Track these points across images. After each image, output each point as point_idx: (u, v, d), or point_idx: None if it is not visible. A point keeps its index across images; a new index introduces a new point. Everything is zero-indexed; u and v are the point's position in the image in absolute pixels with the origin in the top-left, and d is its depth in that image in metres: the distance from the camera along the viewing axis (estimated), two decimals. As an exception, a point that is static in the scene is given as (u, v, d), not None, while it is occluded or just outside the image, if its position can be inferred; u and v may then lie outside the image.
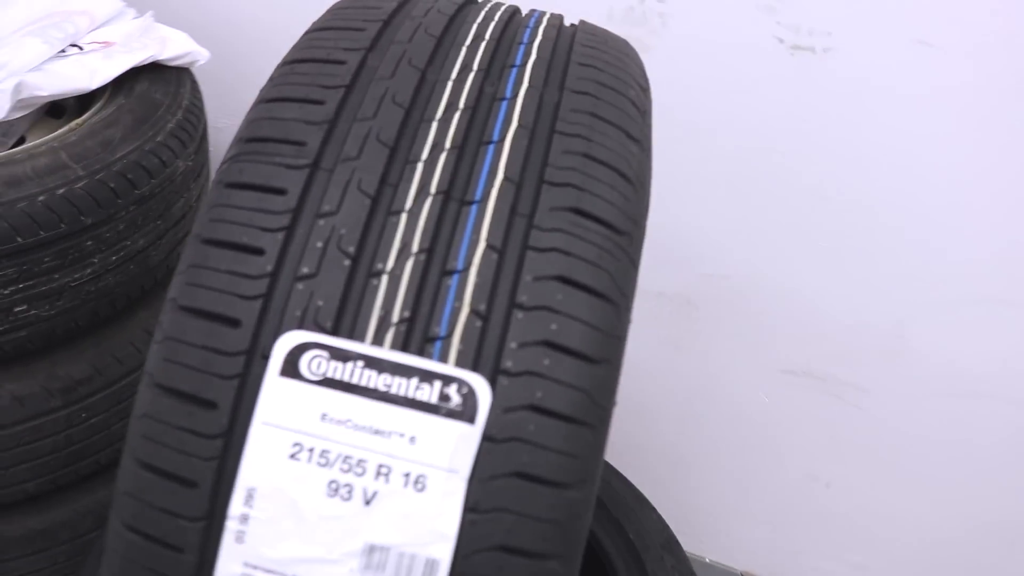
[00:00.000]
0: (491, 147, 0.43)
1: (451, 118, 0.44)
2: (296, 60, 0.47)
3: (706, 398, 1.40)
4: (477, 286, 0.39)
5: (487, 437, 0.37)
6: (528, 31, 0.52)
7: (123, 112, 0.99)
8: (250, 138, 0.43)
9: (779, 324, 1.27)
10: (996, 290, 1.10)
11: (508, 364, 0.38)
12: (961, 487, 1.28)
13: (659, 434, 1.48)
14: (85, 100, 1.04)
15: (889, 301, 1.18)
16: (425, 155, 0.42)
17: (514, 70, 0.48)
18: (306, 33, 0.50)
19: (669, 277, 1.32)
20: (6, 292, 0.85)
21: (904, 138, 1.07)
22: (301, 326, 0.38)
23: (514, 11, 0.56)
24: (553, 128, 0.45)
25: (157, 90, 1.03)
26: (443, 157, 0.42)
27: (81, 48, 1.08)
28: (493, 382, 0.37)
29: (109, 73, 1.02)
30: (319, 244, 0.39)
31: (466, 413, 0.37)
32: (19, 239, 0.84)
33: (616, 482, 1.04)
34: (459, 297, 0.39)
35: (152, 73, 1.07)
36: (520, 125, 0.44)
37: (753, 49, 1.12)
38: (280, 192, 0.40)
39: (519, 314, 0.38)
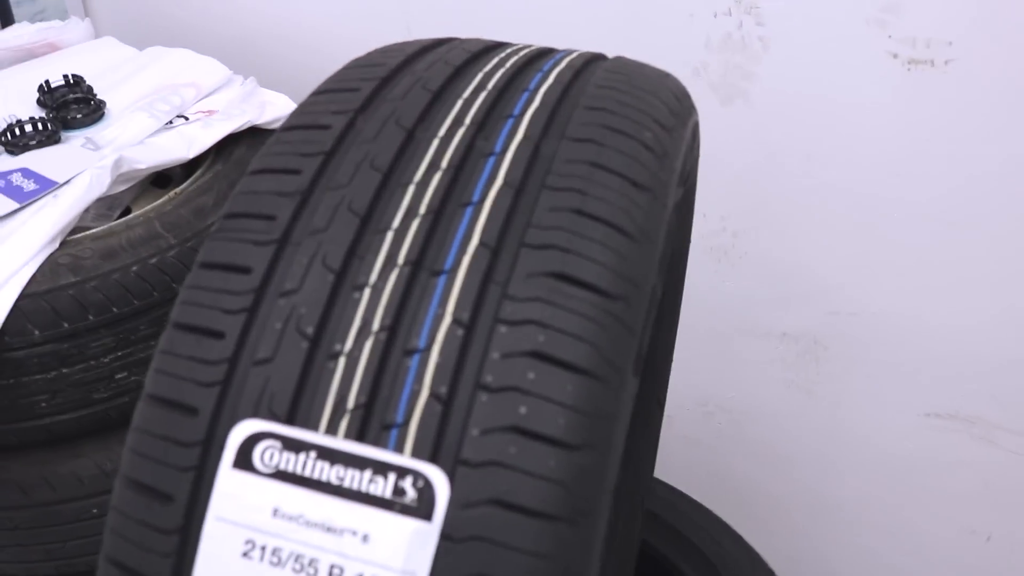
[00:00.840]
0: (469, 209, 0.39)
1: (430, 180, 0.41)
2: (287, 128, 0.46)
3: (843, 445, 1.28)
4: (439, 366, 0.35)
5: (445, 536, 0.33)
6: (539, 75, 0.48)
7: (219, 179, 1.03)
8: (228, 214, 0.42)
9: (918, 363, 1.14)
10: None
11: (469, 454, 0.34)
12: None
13: (793, 484, 1.36)
14: (191, 169, 1.09)
15: (1045, 333, 1.03)
16: (397, 222, 0.39)
17: (510, 121, 0.44)
18: (308, 96, 0.49)
19: (793, 317, 1.22)
20: (106, 360, 0.89)
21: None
22: (256, 414, 0.36)
23: (539, 54, 0.53)
24: (543, 183, 0.41)
25: (253, 154, 1.07)
26: (415, 224, 0.39)
27: (187, 119, 1.14)
28: (452, 474, 0.34)
29: (206, 142, 1.06)
30: (278, 325, 0.37)
31: (422, 509, 0.33)
32: (114, 309, 0.88)
33: (728, 542, 0.95)
34: (419, 379, 0.35)
35: (251, 138, 1.11)
36: (505, 183, 0.41)
37: (866, 67, 1.02)
38: (245, 271, 0.39)
39: (483, 396, 0.35)
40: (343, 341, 0.36)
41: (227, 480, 0.35)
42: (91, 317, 0.88)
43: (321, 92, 0.48)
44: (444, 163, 0.42)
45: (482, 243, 0.38)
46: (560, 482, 0.34)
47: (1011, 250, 1.02)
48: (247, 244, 0.40)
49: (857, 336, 1.18)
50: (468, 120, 0.44)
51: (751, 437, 1.38)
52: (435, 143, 0.43)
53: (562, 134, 0.43)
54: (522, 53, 0.52)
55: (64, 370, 0.89)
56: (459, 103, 0.46)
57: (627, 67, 0.50)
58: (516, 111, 0.45)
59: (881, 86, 1.01)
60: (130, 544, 0.36)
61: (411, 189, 0.41)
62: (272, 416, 0.35)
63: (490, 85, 0.47)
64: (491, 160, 0.42)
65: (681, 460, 1.38)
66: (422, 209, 0.40)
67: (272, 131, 1.12)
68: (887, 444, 1.23)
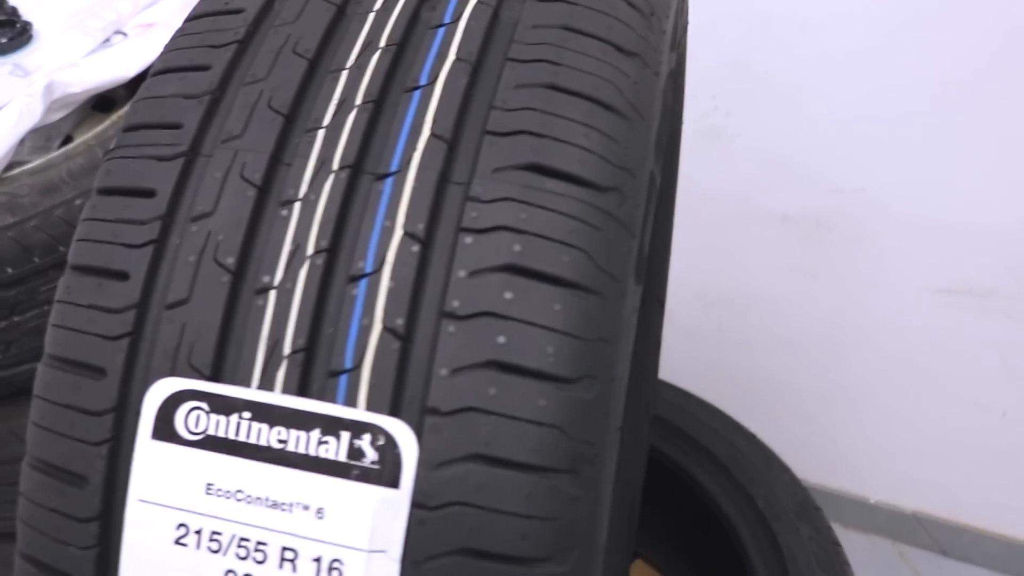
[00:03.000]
0: (416, 94, 0.32)
1: (367, 63, 0.33)
2: (193, 16, 0.37)
3: (850, 329, 1.23)
4: (392, 292, 0.28)
5: (418, 504, 0.27)
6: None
7: (162, 97, 0.93)
8: (128, 126, 0.34)
9: (927, 239, 1.08)
10: None
11: (438, 400, 0.27)
12: None
13: (800, 372, 1.32)
14: (135, 89, 0.99)
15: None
16: (328, 118, 0.32)
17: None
18: None
19: (793, 198, 1.15)
20: (57, 304, 0.82)
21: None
22: (174, 371, 0.29)
23: None
24: (506, 56, 0.33)
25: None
26: (351, 118, 0.31)
27: (125, 35, 1.03)
28: (419, 427, 0.27)
29: (148, 57, 0.96)
30: (191, 258, 0.30)
31: (386, 473, 0.27)
32: (61, 248, 0.80)
33: (741, 442, 0.91)
34: (368, 312, 0.28)
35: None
36: (458, 58, 0.33)
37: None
38: (148, 194, 0.31)
39: (450, 326, 0.28)
40: (272, 271, 0.29)
41: (147, 453, 0.29)
42: (37, 259, 0.80)
43: None
44: (383, 41, 0.34)
45: (434, 134, 0.31)
46: (554, 425, 0.27)
47: (1016, 108, 0.94)
48: (149, 161, 0.32)
49: (861, 214, 1.11)
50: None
51: (755, 326, 1.32)
52: (371, 17, 0.35)
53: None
54: None
55: (16, 319, 0.83)
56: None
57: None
58: (444, 20, 0.36)
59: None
60: (44, 537, 0.30)
61: (343, 76, 0.33)
62: (194, 372, 0.29)
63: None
64: (440, 32, 0.34)
65: (683, 356, 1.33)
66: (358, 99, 0.32)
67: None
68: (896, 324, 1.17)
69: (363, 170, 0.31)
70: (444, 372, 0.27)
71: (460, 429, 0.27)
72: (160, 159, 0.32)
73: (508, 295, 0.28)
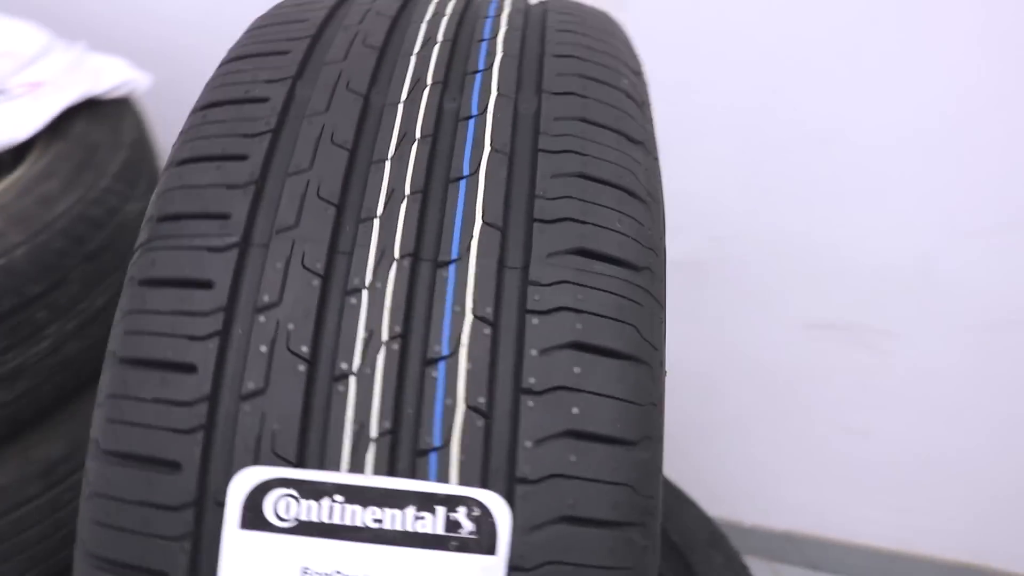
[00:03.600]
0: (462, 184, 0.34)
1: (407, 154, 0.35)
2: (209, 104, 0.38)
3: (728, 364, 1.33)
4: (471, 373, 0.30)
5: (515, 567, 0.29)
6: (489, 22, 0.43)
7: (60, 160, 0.89)
8: (162, 216, 0.34)
9: (795, 278, 1.19)
10: (1021, 213, 1.02)
11: (526, 469, 0.29)
12: (1001, 419, 1.21)
13: (682, 408, 1.40)
14: (19, 153, 0.94)
15: (910, 238, 1.09)
16: (381, 208, 0.33)
17: (478, 76, 0.39)
18: (220, 65, 0.41)
19: (676, 246, 1.23)
20: (-45, 385, 0.76)
21: (900, 59, 0.98)
22: (257, 460, 0.30)
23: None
24: (536, 146, 0.36)
25: (95, 129, 0.94)
26: (403, 207, 0.34)
27: (5, 92, 0.98)
28: (510, 496, 0.29)
29: (39, 119, 0.92)
30: (263, 348, 0.31)
31: (483, 542, 0.29)
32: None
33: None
34: (450, 392, 0.30)
35: (89, 111, 0.98)
36: (494, 150, 0.35)
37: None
38: (206, 285, 0.32)
39: (529, 402, 0.30)
40: (349, 358, 0.31)
41: (237, 543, 0.29)
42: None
43: (238, 58, 0.40)
44: (417, 132, 0.36)
45: (487, 223, 0.33)
46: (627, 484, 0.30)
47: (873, 161, 1.06)
48: (200, 252, 0.33)
49: (736, 259, 1.21)
50: (429, 79, 0.39)
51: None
52: (400, 109, 0.37)
53: (538, 87, 0.39)
54: None
55: None
56: (412, 60, 0.40)
57: (569, 5, 0.46)
58: (481, 65, 0.39)
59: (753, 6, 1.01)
60: (116, 637, 0.30)
61: (387, 166, 0.35)
62: (279, 459, 0.29)
63: (439, 37, 0.41)
64: (471, 124, 0.36)
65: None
66: (407, 189, 0.34)
67: (114, 101, 0.99)
68: (769, 360, 1.28)
69: (423, 258, 0.33)
70: (528, 444, 0.30)
71: (548, 495, 0.29)
72: (212, 250, 0.33)
73: (577, 369, 0.31)
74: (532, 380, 0.30)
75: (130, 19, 1.16)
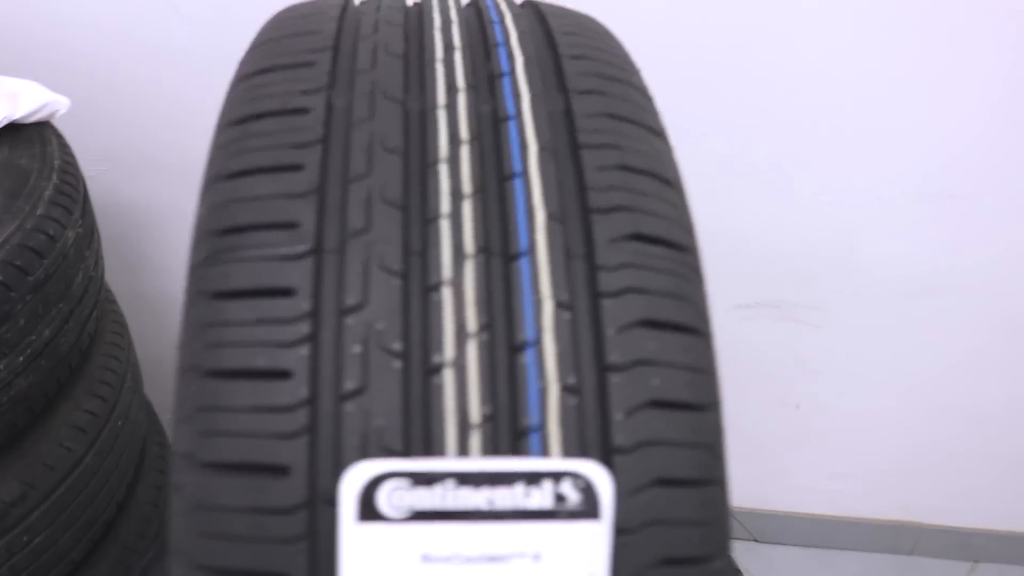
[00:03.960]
0: (517, 181, 0.36)
1: (458, 155, 0.37)
2: (245, 118, 0.39)
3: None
4: (560, 355, 0.32)
5: (621, 529, 0.31)
6: (498, 28, 0.44)
7: (-14, 190, 0.85)
8: (223, 229, 0.35)
9: (722, 262, 1.25)
10: (940, 185, 1.10)
11: (621, 439, 0.32)
12: (927, 381, 1.31)
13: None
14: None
15: (833, 214, 1.17)
16: (446, 207, 0.35)
17: (506, 80, 0.41)
18: (240, 81, 0.41)
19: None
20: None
21: (818, 39, 1.05)
22: (366, 455, 0.31)
23: (468, 2, 0.49)
24: (575, 142, 0.38)
25: (22, 155, 0.90)
26: (467, 206, 0.35)
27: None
28: (609, 464, 0.31)
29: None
30: (356, 348, 0.32)
31: (589, 509, 0.31)
32: None
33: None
34: (542, 374, 0.32)
35: (11, 136, 0.94)
36: (541, 147, 0.37)
37: None
38: (287, 293, 0.33)
39: (615, 377, 0.32)
40: (440, 351, 0.32)
41: (355, 537, 0.30)
42: None
43: (261, 72, 0.41)
44: (463, 134, 0.38)
45: (550, 216, 0.35)
46: (705, 445, 0.33)
47: (791, 142, 1.13)
48: (275, 261, 0.33)
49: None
50: (461, 84, 0.40)
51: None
52: (441, 114, 0.38)
53: (563, 87, 0.41)
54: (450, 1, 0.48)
55: None
56: (439, 67, 0.41)
57: (558, 9, 0.48)
58: (505, 67, 0.41)
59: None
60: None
61: (443, 168, 0.36)
62: (387, 453, 0.31)
63: (456, 43, 0.43)
64: (511, 125, 0.38)
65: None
66: (466, 188, 0.36)
67: (35, 125, 0.95)
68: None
69: (495, 252, 0.34)
70: (620, 416, 0.32)
71: (642, 460, 0.32)
72: (287, 258, 0.33)
73: (652, 344, 0.33)
74: (615, 356, 0.33)
75: (38, 34, 1.11)
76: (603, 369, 0.32)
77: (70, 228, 0.88)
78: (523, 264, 0.34)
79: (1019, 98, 1.04)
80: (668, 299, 0.34)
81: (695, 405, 0.33)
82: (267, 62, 0.41)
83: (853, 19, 1.01)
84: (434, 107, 0.39)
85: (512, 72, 0.41)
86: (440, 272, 0.34)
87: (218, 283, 0.34)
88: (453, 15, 0.46)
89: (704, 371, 0.34)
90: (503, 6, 0.47)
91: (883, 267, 1.19)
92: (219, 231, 0.35)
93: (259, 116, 0.38)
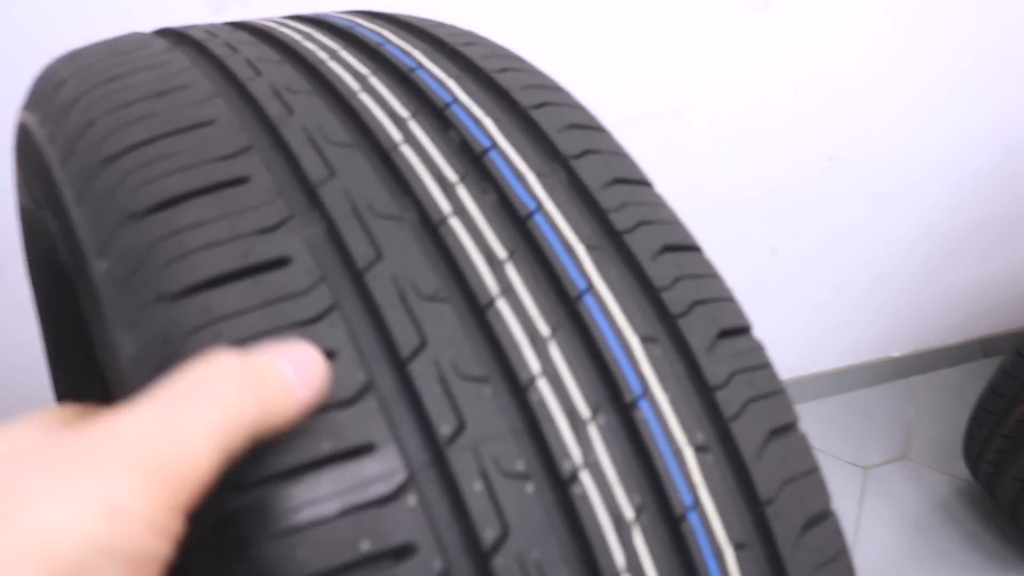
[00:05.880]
0: (589, 300, 0.30)
1: (510, 285, 0.29)
2: (171, 200, 0.27)
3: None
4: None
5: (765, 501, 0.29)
6: (432, 81, 0.35)
7: None
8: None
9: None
10: (640, 108, 1.16)
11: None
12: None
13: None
14: None
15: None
16: (537, 369, 0.28)
17: (495, 156, 0.33)
18: (116, 158, 0.28)
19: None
20: None
21: None
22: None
23: (368, 53, 0.38)
24: (611, 229, 0.32)
25: None
26: (557, 359, 0.28)
27: None
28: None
29: None
30: (477, 487, 0.25)
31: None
32: None
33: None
34: (712, 540, 0.28)
35: None
36: (587, 247, 0.31)
37: None
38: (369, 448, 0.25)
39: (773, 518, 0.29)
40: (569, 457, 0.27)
41: None
42: None
43: (141, 144, 0.28)
44: (499, 252, 0.30)
45: (643, 339, 0.30)
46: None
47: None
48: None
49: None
50: (450, 176, 0.32)
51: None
52: (457, 227, 0.30)
53: (555, 154, 0.34)
54: (361, 67, 0.37)
55: None
56: (410, 155, 0.32)
57: (497, 49, 0.40)
58: (485, 142, 0.33)
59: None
60: None
61: (504, 306, 0.28)
62: None
63: (403, 112, 0.33)
64: (541, 222, 0.31)
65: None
66: (544, 331, 0.28)
67: None
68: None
69: (611, 408, 0.28)
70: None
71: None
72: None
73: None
74: (766, 493, 0.29)
75: None
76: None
77: None
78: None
79: None
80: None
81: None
82: (138, 132, 0.29)
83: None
84: (442, 220, 0.30)
85: (496, 147, 0.33)
86: (569, 457, 0.27)
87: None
88: (364, 69, 0.36)
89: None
90: (420, 58, 0.37)
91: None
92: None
93: (187, 196, 0.26)
